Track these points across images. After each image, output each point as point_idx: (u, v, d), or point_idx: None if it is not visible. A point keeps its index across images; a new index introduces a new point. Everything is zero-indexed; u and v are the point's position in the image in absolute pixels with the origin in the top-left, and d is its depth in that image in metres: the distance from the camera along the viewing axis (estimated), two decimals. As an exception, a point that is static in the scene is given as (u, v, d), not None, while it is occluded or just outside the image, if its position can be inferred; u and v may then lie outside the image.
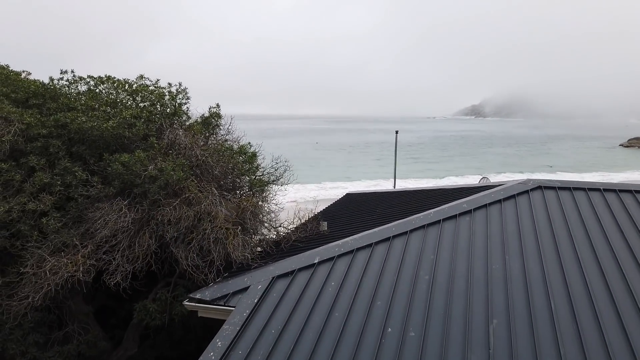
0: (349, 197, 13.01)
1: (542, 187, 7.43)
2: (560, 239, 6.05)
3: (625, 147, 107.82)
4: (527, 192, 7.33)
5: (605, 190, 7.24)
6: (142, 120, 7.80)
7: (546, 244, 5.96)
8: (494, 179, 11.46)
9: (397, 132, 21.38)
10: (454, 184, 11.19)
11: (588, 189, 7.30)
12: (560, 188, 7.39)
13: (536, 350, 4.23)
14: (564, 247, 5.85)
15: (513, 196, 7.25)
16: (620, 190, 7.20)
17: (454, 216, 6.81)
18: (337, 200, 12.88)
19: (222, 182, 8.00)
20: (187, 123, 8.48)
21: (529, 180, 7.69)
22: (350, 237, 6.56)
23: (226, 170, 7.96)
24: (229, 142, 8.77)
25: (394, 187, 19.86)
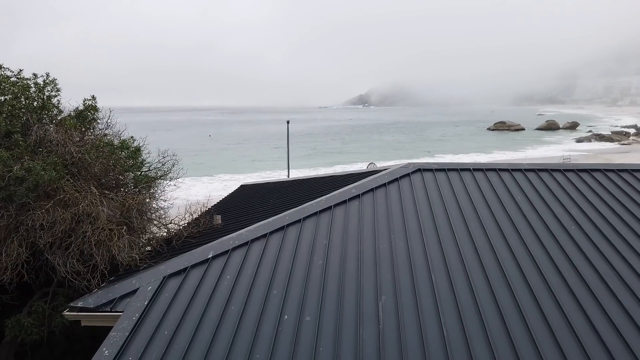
0: (243, 188, 12.88)
1: (421, 169, 8.04)
2: (438, 216, 6.61)
3: (491, 130, 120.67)
4: (408, 175, 7.88)
5: (474, 169, 8.04)
6: (3, 115, 6.92)
7: (426, 222, 6.48)
8: (380, 165, 12.22)
9: (288, 122, 21.60)
10: (344, 171, 11.62)
11: (460, 169, 8.05)
12: (437, 170, 8.05)
13: (420, 320, 4.60)
14: (441, 224, 6.40)
15: (396, 179, 7.74)
16: (487, 169, 8.05)
17: (344, 201, 7.09)
18: (232, 192, 12.69)
19: (103, 180, 7.43)
20: (59, 117, 7.71)
21: (410, 164, 8.27)
22: (245, 229, 6.52)
23: (107, 167, 7.41)
24: (108, 137, 8.15)
25: (288, 176, 20.09)
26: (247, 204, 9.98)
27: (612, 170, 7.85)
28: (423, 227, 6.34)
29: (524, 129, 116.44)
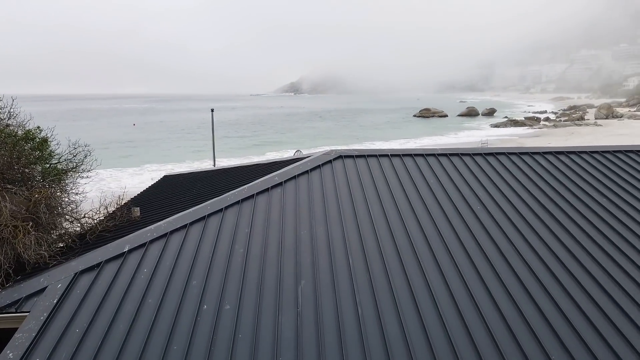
0: (166, 179, 12.49)
1: (342, 156, 8.25)
2: (357, 201, 6.84)
3: (417, 116, 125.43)
4: (330, 162, 8.05)
5: (392, 155, 8.38)
6: None
7: (346, 207, 6.69)
8: (308, 152, 12.40)
9: (212, 110, 21.16)
10: (270, 159, 11.64)
11: (379, 155, 8.36)
12: (357, 156, 8.30)
13: (337, 302, 4.78)
14: (360, 209, 6.64)
15: (318, 166, 7.89)
16: (404, 155, 8.42)
17: (267, 189, 7.13)
18: (154, 183, 12.27)
19: (5, 175, 6.90)
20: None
21: (332, 150, 8.46)
22: (164, 221, 6.37)
23: (10, 159, 6.89)
24: (12, 128, 7.57)
25: (214, 165, 19.74)
26: (169, 195, 9.72)
27: (515, 154, 8.51)
28: (343, 212, 6.54)
29: (447, 116, 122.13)
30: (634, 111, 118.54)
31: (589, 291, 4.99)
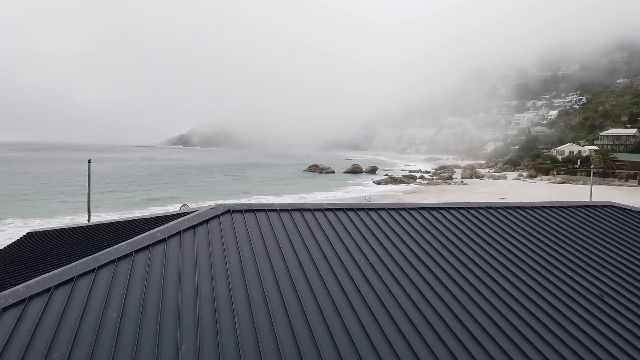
0: (30, 236, 11.14)
1: (230, 211, 8.13)
2: (245, 257, 6.72)
3: (307, 172, 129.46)
4: (217, 216, 7.88)
5: (280, 210, 8.47)
6: None
7: (233, 263, 6.52)
8: (195, 206, 11.97)
9: (89, 161, 19.70)
10: (153, 214, 11.04)
11: (267, 210, 8.39)
12: (246, 211, 8.24)
13: (221, 364, 4.54)
14: (247, 264, 6.52)
15: (205, 221, 7.66)
16: (292, 210, 8.56)
17: (148, 246, 6.70)
18: (14, 241, 10.85)
19: None
20: None
21: (220, 205, 8.30)
22: (23, 284, 5.61)
23: None
24: None
25: (89, 220, 18.13)
26: (33, 254, 8.64)
27: (394, 209, 9.13)
28: (229, 268, 6.37)
29: (334, 172, 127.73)
30: (492, 172, 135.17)
31: (459, 336, 5.38)
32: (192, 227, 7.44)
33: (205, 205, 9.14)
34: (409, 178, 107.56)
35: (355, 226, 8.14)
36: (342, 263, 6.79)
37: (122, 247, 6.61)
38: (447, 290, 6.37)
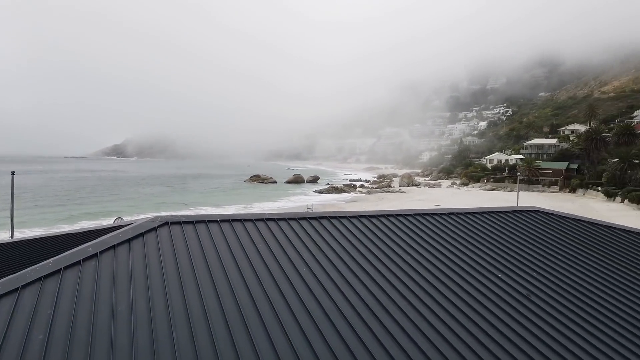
0: (-58, 256, 10.15)
1: (168, 223, 7.87)
2: (184, 270, 6.53)
3: (248, 182, 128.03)
4: (154, 229, 7.60)
5: (221, 221, 8.32)
6: None
7: (171, 277, 6.31)
8: (130, 219, 11.48)
9: (13, 173, 18.33)
10: (84, 228, 10.46)
11: (208, 221, 8.21)
12: (185, 222, 8.02)
13: (158, 382, 4.36)
14: (186, 279, 6.33)
15: (141, 234, 7.37)
16: (233, 220, 8.43)
17: (78, 262, 6.33)
18: None
19: None
20: None
21: (157, 217, 8.02)
22: None
23: None
24: None
25: (12, 237, 16.84)
26: (-55, 275, 7.88)
27: (335, 217, 9.24)
28: (167, 282, 6.15)
29: (276, 182, 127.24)
30: (428, 180, 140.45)
31: (398, 340, 5.52)
32: (127, 240, 7.13)
33: (141, 217, 8.79)
34: (350, 187, 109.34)
35: (297, 235, 8.16)
36: (285, 273, 6.77)
37: (49, 263, 6.20)
38: (386, 294, 6.53)
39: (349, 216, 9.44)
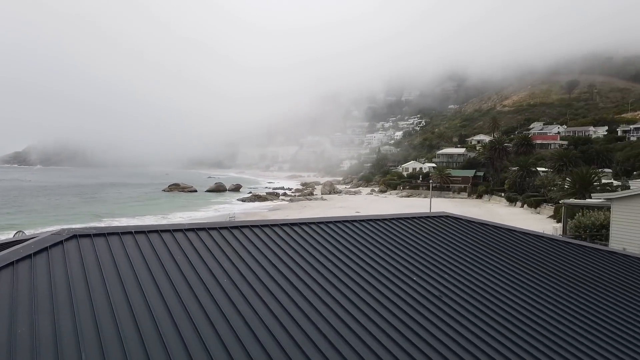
0: None
1: (77, 235, 7.36)
2: (94, 287, 6.13)
3: (167, 191, 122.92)
4: (61, 242, 7.07)
5: (136, 232, 7.93)
6: None
7: (80, 295, 5.90)
8: (33, 232, 10.50)
9: None
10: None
11: (121, 233, 7.79)
12: (96, 235, 7.54)
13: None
14: (97, 296, 5.95)
15: (46, 249, 6.82)
16: (149, 232, 8.06)
17: (-31, 282, 5.71)
18: None
19: None
20: None
21: (64, 230, 7.47)
22: None
23: None
24: None
25: None
26: None
27: (257, 226, 9.19)
28: (75, 300, 5.74)
29: (196, 191, 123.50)
30: (349, 188, 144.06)
31: (320, 347, 5.61)
32: (29, 256, 6.56)
33: (46, 231, 8.12)
34: (273, 195, 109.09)
35: (218, 245, 8.00)
36: (204, 284, 6.60)
37: None
38: (308, 302, 6.60)
39: (271, 225, 9.43)
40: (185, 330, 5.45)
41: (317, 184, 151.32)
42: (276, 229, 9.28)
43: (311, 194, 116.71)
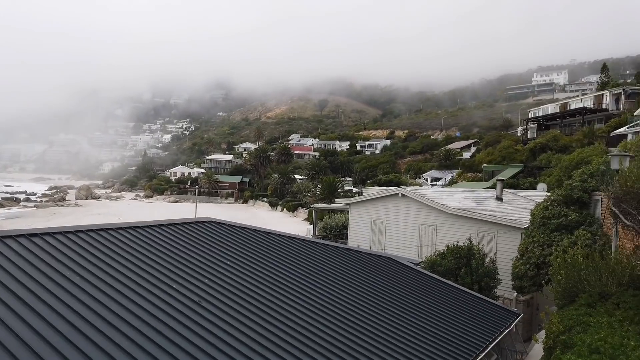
0: None
1: None
2: None
3: None
4: None
5: None
6: None
7: None
8: None
9: None
10: None
11: None
12: None
13: None
14: None
15: None
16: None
17: None
18: None
19: None
20: None
21: None
22: None
23: None
24: None
25: None
26: None
27: (-18, 240, 7.65)
28: None
29: None
30: (110, 192, 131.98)
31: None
32: None
33: None
34: (11, 201, 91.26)
35: None
36: None
37: None
38: (65, 319, 5.87)
39: (2, 237, 7.96)
40: None
41: (71, 187, 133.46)
42: (8, 240, 7.88)
43: (63, 199, 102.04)
